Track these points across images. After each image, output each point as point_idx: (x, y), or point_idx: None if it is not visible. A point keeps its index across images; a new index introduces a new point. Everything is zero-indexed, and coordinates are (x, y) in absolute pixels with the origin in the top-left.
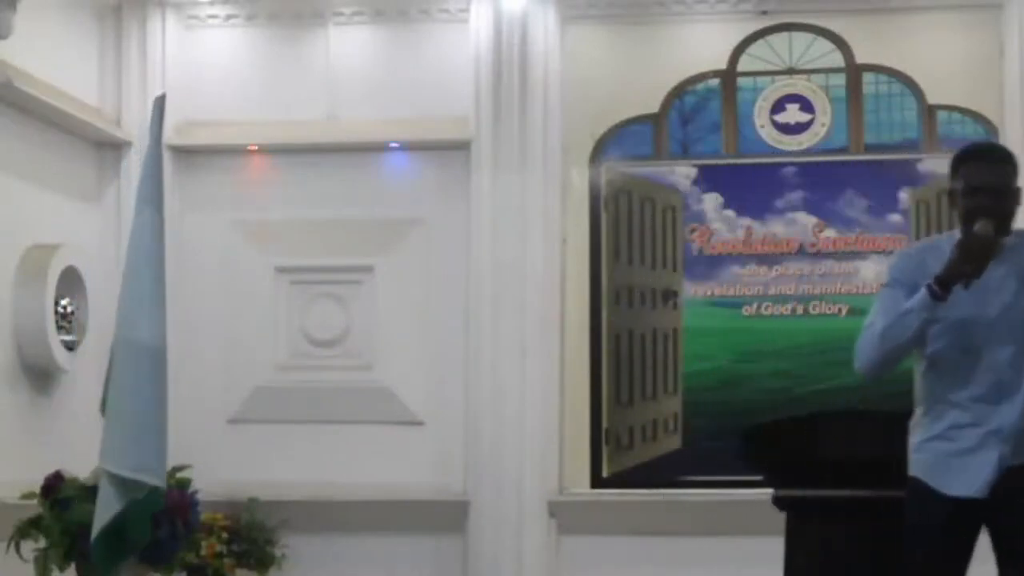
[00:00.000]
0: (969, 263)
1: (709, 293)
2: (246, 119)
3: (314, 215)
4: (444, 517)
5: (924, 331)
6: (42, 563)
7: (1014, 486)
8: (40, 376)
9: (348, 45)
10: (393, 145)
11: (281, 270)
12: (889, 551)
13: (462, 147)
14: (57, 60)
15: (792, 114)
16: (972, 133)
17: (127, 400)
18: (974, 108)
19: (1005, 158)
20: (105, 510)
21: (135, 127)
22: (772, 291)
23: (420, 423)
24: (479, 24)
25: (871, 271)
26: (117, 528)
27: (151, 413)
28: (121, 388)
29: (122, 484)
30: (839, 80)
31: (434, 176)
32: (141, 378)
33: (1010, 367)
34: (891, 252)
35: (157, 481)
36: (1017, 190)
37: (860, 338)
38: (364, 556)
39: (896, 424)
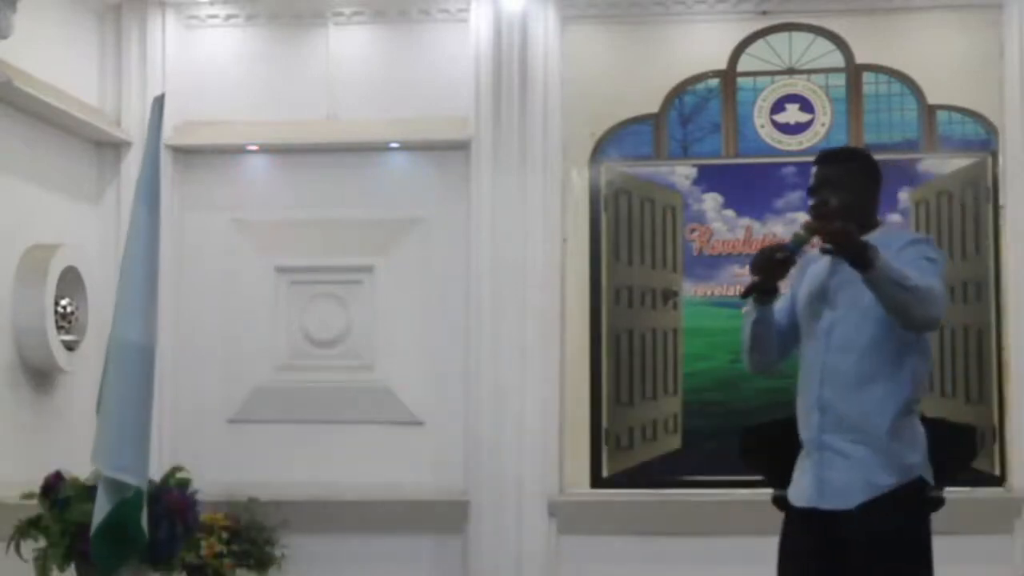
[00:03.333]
0: (754, 273)
1: (709, 293)
2: (246, 119)
3: (314, 215)
4: (444, 517)
5: (759, 335)
6: (42, 563)
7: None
8: (40, 376)
9: (348, 45)
10: (393, 145)
11: (281, 270)
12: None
13: (462, 147)
14: (57, 60)
15: (792, 114)
16: (972, 133)
17: (113, 399)
18: (974, 108)
19: (822, 159)
20: (100, 510)
21: (135, 127)
22: None
23: (420, 423)
24: (479, 24)
25: None
26: (117, 528)
27: (135, 413)
28: (108, 387)
29: (110, 484)
30: (839, 80)
31: (434, 176)
32: (127, 378)
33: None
34: None
35: (136, 481)
36: (839, 183)
37: None
38: (364, 556)
39: None
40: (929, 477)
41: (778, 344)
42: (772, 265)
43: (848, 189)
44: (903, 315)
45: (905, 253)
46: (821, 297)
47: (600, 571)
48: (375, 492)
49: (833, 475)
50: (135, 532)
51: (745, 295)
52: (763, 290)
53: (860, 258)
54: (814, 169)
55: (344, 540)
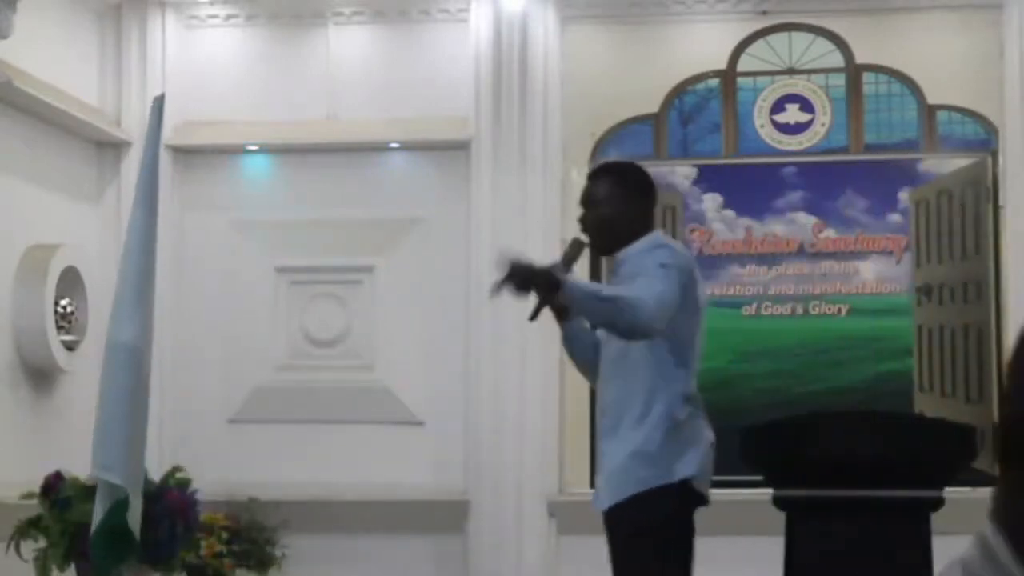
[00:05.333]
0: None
1: (709, 293)
2: (246, 119)
3: (314, 215)
4: (444, 517)
5: (572, 351)
6: (42, 563)
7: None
8: (40, 376)
9: (348, 45)
10: (393, 145)
11: (281, 270)
12: (888, 550)
13: (462, 147)
14: (57, 60)
15: (792, 114)
16: (972, 133)
17: (103, 400)
18: (974, 108)
19: (590, 174)
20: (97, 510)
21: (135, 127)
22: (772, 291)
23: (420, 423)
24: (479, 24)
25: (871, 271)
26: (114, 528)
27: (123, 413)
28: (101, 388)
29: (104, 484)
30: (839, 80)
31: (434, 176)
32: (116, 378)
33: (607, 402)
34: (891, 252)
35: (121, 480)
36: (596, 199)
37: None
38: (364, 556)
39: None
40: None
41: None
42: (548, 285)
43: (610, 202)
44: (609, 327)
45: (643, 258)
46: None
47: (600, 571)
48: (375, 492)
49: None
50: (127, 532)
51: (532, 319)
52: (555, 310)
53: (543, 283)
54: (585, 183)
55: (344, 540)
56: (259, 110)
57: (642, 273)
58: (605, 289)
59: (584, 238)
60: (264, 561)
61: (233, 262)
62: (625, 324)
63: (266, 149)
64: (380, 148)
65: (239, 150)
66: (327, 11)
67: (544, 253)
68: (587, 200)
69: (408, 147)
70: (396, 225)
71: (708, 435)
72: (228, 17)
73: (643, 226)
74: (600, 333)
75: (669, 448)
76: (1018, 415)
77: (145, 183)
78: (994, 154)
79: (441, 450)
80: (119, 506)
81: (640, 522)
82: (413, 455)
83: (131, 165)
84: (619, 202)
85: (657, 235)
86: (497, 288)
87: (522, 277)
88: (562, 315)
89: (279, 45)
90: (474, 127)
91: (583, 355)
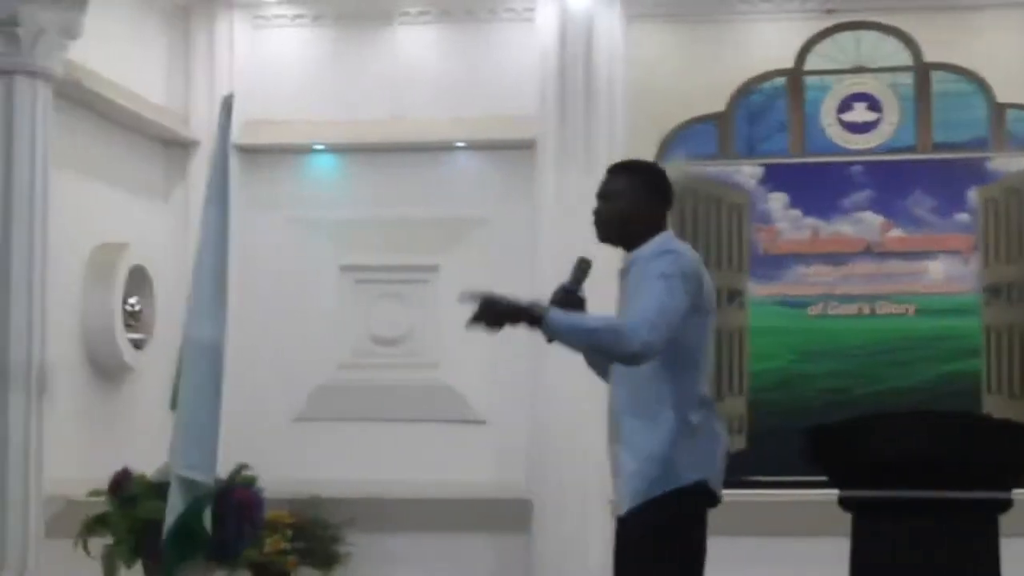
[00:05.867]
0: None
1: (775, 293)
2: (313, 118)
3: (379, 214)
4: (507, 515)
5: (592, 363)
6: (109, 560)
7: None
8: (108, 374)
9: (414, 45)
10: (458, 144)
11: (346, 269)
12: (955, 551)
13: (527, 146)
14: (126, 60)
15: (859, 113)
16: None
17: (185, 398)
18: None
19: (608, 169)
20: (172, 508)
21: (203, 126)
22: (839, 291)
23: (483, 422)
24: (545, 23)
25: (939, 271)
26: (186, 525)
27: (205, 411)
28: (183, 386)
29: (182, 482)
30: (907, 79)
31: (499, 175)
32: (198, 376)
33: (619, 407)
34: (959, 251)
35: (205, 479)
36: (613, 193)
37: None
38: (428, 554)
39: (960, 424)
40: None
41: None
42: (560, 303)
43: (625, 198)
44: (601, 355)
45: (648, 265)
46: None
47: None
48: (438, 490)
49: None
50: (201, 530)
51: (549, 342)
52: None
53: (527, 319)
54: (604, 176)
55: (408, 538)
56: (325, 109)
57: (643, 284)
58: (591, 320)
59: (590, 258)
60: (328, 559)
61: (298, 261)
62: (616, 355)
63: (332, 148)
64: (445, 147)
65: (306, 149)
66: (394, 11)
67: (607, 253)
68: (603, 194)
69: (473, 146)
70: (461, 224)
71: (723, 438)
72: (295, 17)
73: (655, 226)
74: None
75: (683, 451)
76: None
77: (216, 182)
78: None
79: (504, 449)
80: (199, 503)
81: (654, 525)
82: (476, 454)
83: (199, 164)
84: (634, 199)
85: (666, 237)
86: (470, 325)
87: (496, 315)
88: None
89: (345, 45)
90: (539, 127)
91: (593, 355)
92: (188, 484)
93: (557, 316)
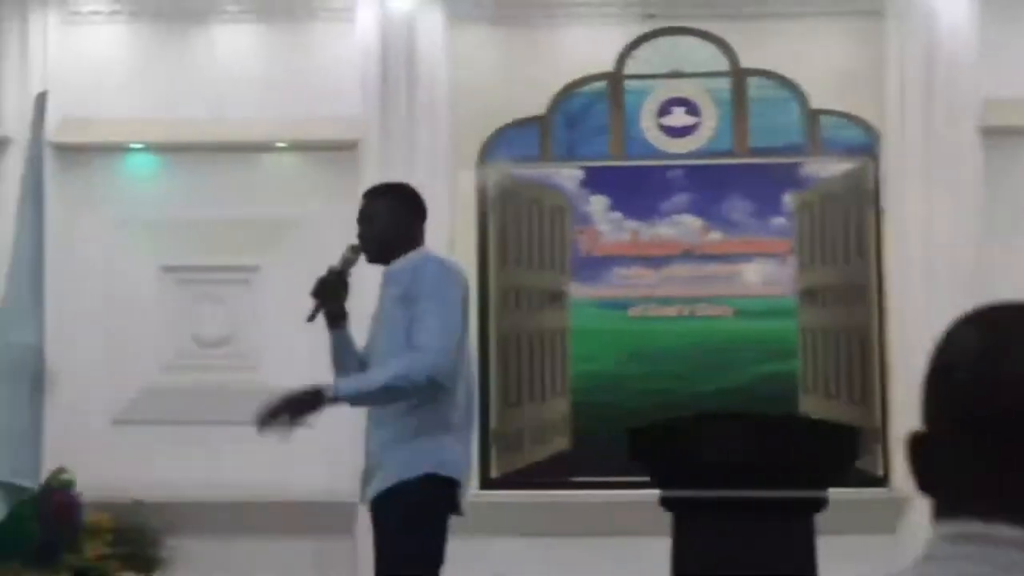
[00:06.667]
0: (314, 298)
1: (596, 295)
2: (130, 117)
3: (200, 214)
4: (332, 519)
5: (337, 360)
6: None
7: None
8: None
9: (234, 43)
10: (280, 145)
11: (166, 269)
12: (773, 550)
13: (349, 147)
14: None
15: (678, 117)
16: (854, 137)
17: (6, 403)
18: (856, 113)
19: (364, 194)
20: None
21: (16, 124)
22: (658, 293)
23: (305, 424)
24: (365, 24)
25: (756, 274)
26: (13, 530)
27: (28, 416)
28: (2, 391)
29: (6, 488)
30: (724, 84)
31: (321, 176)
32: (18, 380)
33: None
34: (776, 255)
35: (32, 484)
36: (375, 215)
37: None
38: (253, 558)
39: (778, 425)
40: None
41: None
42: (325, 288)
43: (383, 220)
44: (399, 401)
45: (417, 306)
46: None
47: (486, 572)
48: (263, 493)
49: None
50: (27, 534)
51: (310, 320)
52: (329, 315)
53: (320, 404)
54: (361, 202)
55: (231, 542)
56: (144, 108)
57: (417, 320)
58: (376, 375)
59: (357, 244)
60: (149, 563)
61: (118, 261)
62: (418, 395)
63: (151, 148)
64: (266, 148)
65: (124, 148)
66: (213, 8)
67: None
68: (362, 217)
69: (295, 147)
70: (283, 225)
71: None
72: (111, 13)
73: (414, 238)
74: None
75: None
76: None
77: (30, 181)
78: (876, 158)
79: (328, 451)
80: (24, 507)
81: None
82: (299, 456)
83: (10, 163)
84: (395, 219)
85: (425, 251)
86: (262, 428)
87: (289, 411)
88: (337, 323)
89: (164, 42)
90: (361, 128)
91: (351, 365)
92: (13, 490)
93: (347, 387)
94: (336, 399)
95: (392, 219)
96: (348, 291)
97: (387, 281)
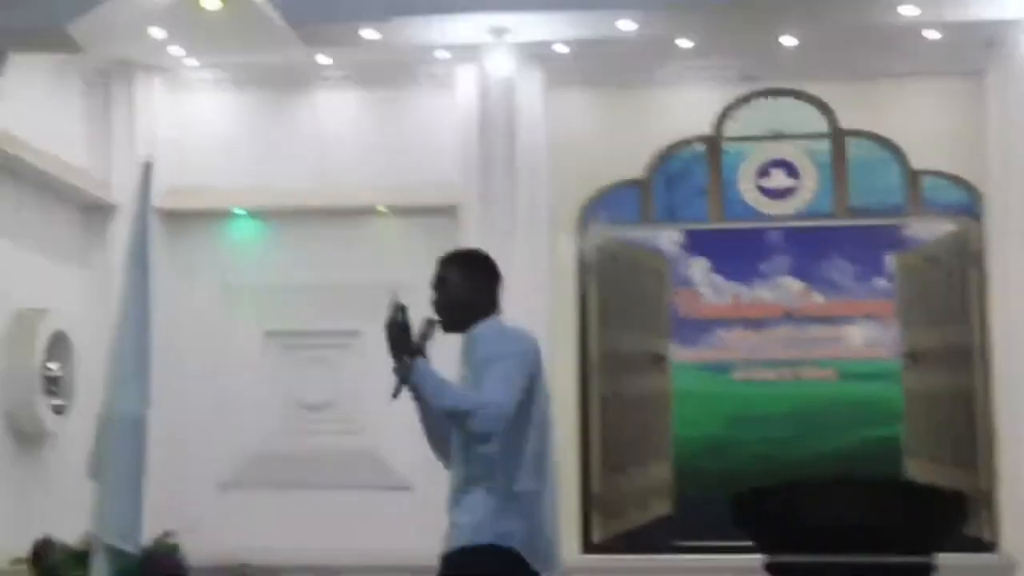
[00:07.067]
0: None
1: (697, 357)
2: (235, 183)
3: (302, 279)
4: None
5: (427, 427)
6: None
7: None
8: (29, 440)
9: (336, 109)
10: (380, 209)
11: (270, 335)
12: None
13: (449, 212)
14: (46, 123)
15: (777, 179)
16: (956, 198)
17: (110, 468)
18: (958, 173)
19: (438, 261)
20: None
21: (124, 191)
22: (760, 356)
23: (408, 488)
24: (465, 89)
25: (859, 336)
26: None
27: (131, 481)
28: (105, 456)
29: (109, 551)
30: (823, 145)
31: (422, 240)
32: (123, 446)
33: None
34: (878, 317)
35: (134, 549)
36: (442, 281)
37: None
38: None
39: (883, 491)
40: (477, 539)
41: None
42: (405, 364)
43: (456, 287)
44: (451, 419)
45: (488, 346)
46: None
47: None
48: (364, 558)
49: None
50: None
51: (394, 397)
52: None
53: (406, 352)
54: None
55: None
56: (247, 174)
57: (489, 375)
58: (455, 387)
59: (435, 317)
60: None
61: (224, 326)
62: (466, 427)
63: (254, 213)
64: (368, 212)
65: (228, 214)
66: (315, 75)
67: (529, 317)
68: (436, 283)
69: (396, 212)
70: (384, 289)
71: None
72: (216, 81)
73: (489, 304)
74: None
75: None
76: None
77: (137, 248)
78: (979, 219)
79: (429, 515)
80: (125, 573)
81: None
82: (401, 520)
83: (119, 229)
84: (468, 285)
85: (497, 319)
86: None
87: (393, 336)
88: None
89: (267, 109)
90: (461, 192)
91: (440, 431)
92: (116, 554)
93: (429, 367)
94: (415, 365)
95: (465, 286)
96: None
97: (463, 348)
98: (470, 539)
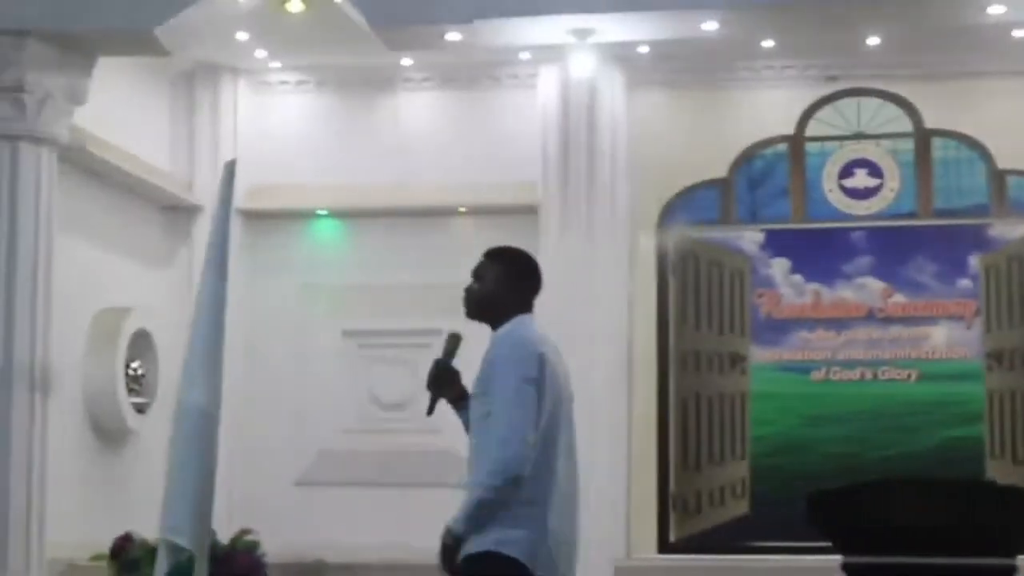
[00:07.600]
0: (429, 390)
1: (777, 358)
2: (316, 183)
3: (382, 279)
4: None
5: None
6: None
7: None
8: (111, 438)
9: (417, 110)
10: (461, 210)
11: (349, 334)
12: None
13: (530, 212)
14: (130, 126)
15: (860, 179)
16: None
17: (173, 462)
18: None
19: (485, 253)
20: (159, 572)
21: (207, 191)
22: (841, 356)
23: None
24: (547, 90)
25: (941, 336)
26: None
27: (193, 476)
28: (172, 451)
29: (166, 545)
30: (907, 145)
31: (502, 240)
32: (187, 441)
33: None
34: (961, 318)
35: (188, 543)
36: (484, 275)
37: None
38: None
39: (965, 491)
40: (477, 546)
41: None
42: (437, 380)
43: (489, 280)
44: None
45: (495, 382)
46: None
47: None
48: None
49: None
50: None
51: (429, 414)
52: (449, 401)
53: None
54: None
55: None
56: (329, 174)
57: (497, 408)
58: (472, 500)
59: (460, 333)
60: None
61: (303, 325)
62: (510, 494)
63: (335, 213)
64: (448, 213)
65: (309, 214)
66: (396, 76)
67: (608, 316)
68: (475, 274)
69: (476, 212)
70: (462, 290)
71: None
72: (299, 83)
73: (513, 305)
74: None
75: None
76: None
77: (216, 247)
78: None
79: None
80: (182, 568)
81: None
82: None
83: (202, 229)
84: (499, 282)
85: (516, 322)
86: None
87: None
88: (459, 405)
89: (349, 110)
90: (542, 193)
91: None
92: (171, 548)
93: (459, 526)
94: (459, 538)
95: (501, 283)
96: (459, 375)
97: (491, 346)
98: (471, 545)
